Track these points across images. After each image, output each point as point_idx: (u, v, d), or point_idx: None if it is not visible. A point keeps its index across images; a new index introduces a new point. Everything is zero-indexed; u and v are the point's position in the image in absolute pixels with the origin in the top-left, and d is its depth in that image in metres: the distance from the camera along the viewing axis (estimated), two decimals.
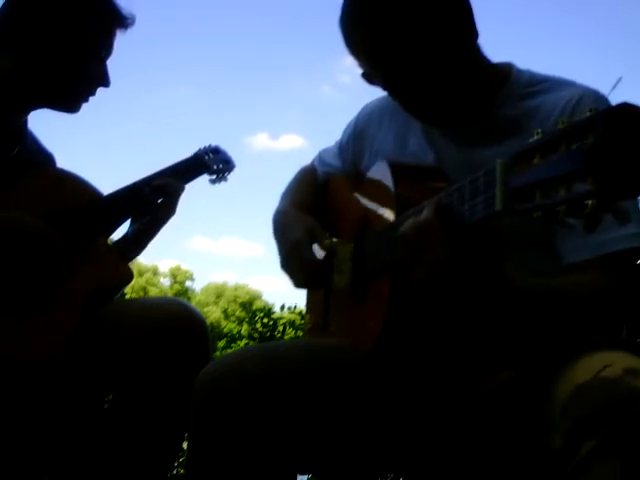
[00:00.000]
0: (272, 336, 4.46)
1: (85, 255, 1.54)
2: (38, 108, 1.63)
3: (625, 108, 0.69)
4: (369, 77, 1.30)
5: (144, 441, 1.46)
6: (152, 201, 1.64)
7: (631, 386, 0.92)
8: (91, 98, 1.62)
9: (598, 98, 1.21)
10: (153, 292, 34.08)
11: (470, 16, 1.23)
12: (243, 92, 61.99)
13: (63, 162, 1.75)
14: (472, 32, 1.24)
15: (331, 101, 60.88)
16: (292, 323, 4.62)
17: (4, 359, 1.40)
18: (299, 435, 1.17)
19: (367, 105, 1.53)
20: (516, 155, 0.81)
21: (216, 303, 38.73)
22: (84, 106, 1.63)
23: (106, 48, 1.60)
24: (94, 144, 57.47)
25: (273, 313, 4.90)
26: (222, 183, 1.89)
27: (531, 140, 0.78)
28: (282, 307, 5.10)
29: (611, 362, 0.97)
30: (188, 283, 41.72)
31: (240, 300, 37.98)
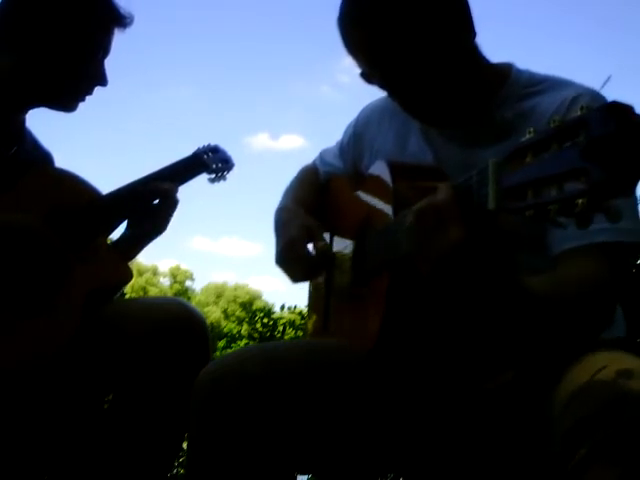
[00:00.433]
0: (272, 336, 4.45)
1: (85, 254, 1.55)
2: (36, 107, 1.63)
3: (615, 106, 0.69)
4: (368, 77, 1.30)
5: (144, 441, 1.46)
6: (148, 202, 1.65)
7: (625, 388, 0.91)
8: (90, 97, 1.62)
9: (594, 98, 1.20)
10: (153, 292, 33.99)
11: (468, 15, 1.23)
12: (243, 92, 61.93)
13: (62, 161, 1.76)
14: (470, 31, 1.24)
15: (331, 101, 60.79)
16: (292, 323, 4.62)
17: (4, 359, 1.41)
18: (299, 435, 1.17)
19: (367, 106, 1.54)
20: (509, 154, 0.81)
21: (216, 303, 38.66)
22: (84, 105, 1.63)
23: (104, 47, 1.60)
24: (94, 144, 57.41)
25: (273, 313, 4.90)
26: (221, 182, 1.90)
27: (523, 139, 0.78)
28: (282, 307, 5.09)
29: (607, 364, 0.96)
30: (188, 283, 41.65)
31: (240, 300, 37.90)
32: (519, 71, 1.30)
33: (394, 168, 1.24)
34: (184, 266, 41.75)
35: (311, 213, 1.47)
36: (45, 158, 1.72)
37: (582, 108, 0.72)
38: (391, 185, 1.20)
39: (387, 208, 1.21)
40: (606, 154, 0.68)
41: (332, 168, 1.59)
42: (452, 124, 1.29)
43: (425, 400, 1.22)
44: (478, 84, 1.27)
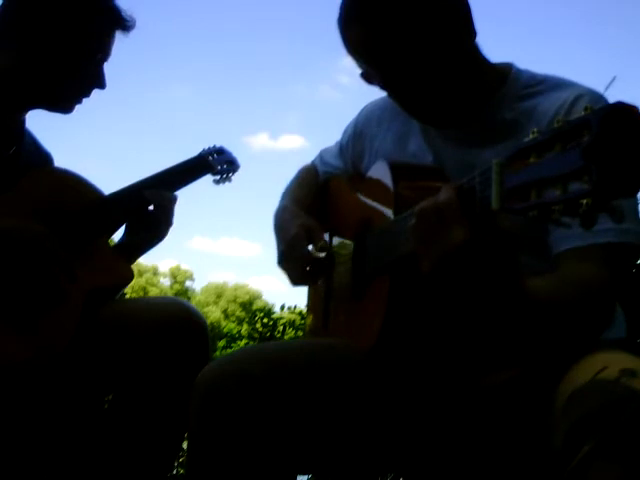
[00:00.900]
0: (272, 336, 4.45)
1: (85, 255, 1.54)
2: (35, 108, 1.63)
3: (620, 107, 0.69)
4: (368, 77, 1.30)
5: (144, 441, 1.46)
6: (142, 208, 1.64)
7: (630, 387, 0.91)
8: (86, 99, 1.62)
9: (596, 98, 1.20)
10: (153, 292, 34.04)
11: (468, 15, 1.23)
12: (243, 92, 62.06)
13: (62, 161, 1.76)
14: (470, 31, 1.24)
15: (331, 101, 60.94)
16: (292, 323, 4.61)
17: (4, 358, 1.40)
18: (299, 435, 1.17)
19: (367, 106, 1.53)
20: (512, 154, 0.80)
21: (216, 303, 38.72)
22: (84, 106, 1.63)
23: (104, 50, 1.60)
24: (94, 144, 57.52)
25: (273, 313, 4.89)
26: (226, 184, 1.91)
27: (526, 139, 0.78)
28: (282, 307, 5.08)
29: (609, 363, 0.96)
30: (188, 283, 41.75)
31: (240, 300, 37.98)
32: (519, 71, 1.29)
33: (395, 168, 1.23)
34: (184, 266, 41.90)
35: (311, 213, 1.47)
36: (45, 158, 1.71)
37: (586, 108, 0.71)
38: (392, 186, 1.20)
39: (387, 208, 1.21)
40: (610, 154, 0.68)
41: (332, 168, 1.59)
42: (452, 124, 1.29)
43: (426, 399, 1.22)
44: (478, 84, 1.26)
